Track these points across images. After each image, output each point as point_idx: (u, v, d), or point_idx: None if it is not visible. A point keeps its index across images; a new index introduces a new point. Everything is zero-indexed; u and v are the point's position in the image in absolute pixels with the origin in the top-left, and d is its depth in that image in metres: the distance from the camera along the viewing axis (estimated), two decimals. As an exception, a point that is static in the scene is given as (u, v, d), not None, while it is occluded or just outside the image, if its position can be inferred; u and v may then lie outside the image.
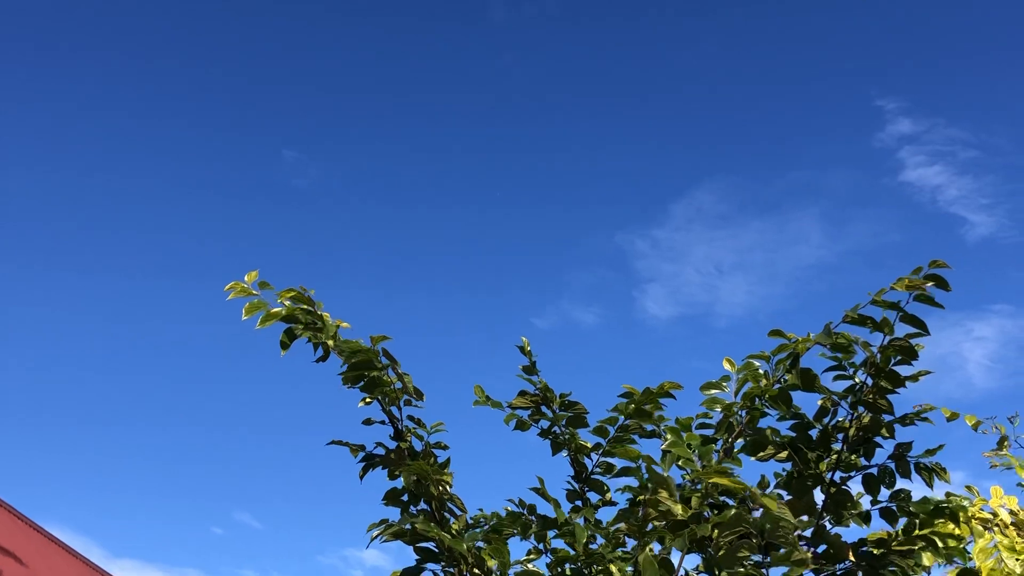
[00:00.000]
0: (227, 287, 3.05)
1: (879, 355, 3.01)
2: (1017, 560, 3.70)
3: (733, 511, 2.88)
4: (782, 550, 2.92)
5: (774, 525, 2.81)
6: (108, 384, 28.71)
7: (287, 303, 3.07)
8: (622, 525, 3.08)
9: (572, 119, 30.31)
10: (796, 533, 3.28)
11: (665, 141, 30.23)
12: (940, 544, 3.25)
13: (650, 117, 30.19)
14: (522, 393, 3.35)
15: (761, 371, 3.07)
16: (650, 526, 3.02)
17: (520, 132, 30.55)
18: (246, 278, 3.07)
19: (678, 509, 2.88)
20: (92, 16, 27.00)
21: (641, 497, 3.03)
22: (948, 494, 3.77)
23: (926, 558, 3.21)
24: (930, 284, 2.89)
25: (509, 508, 3.39)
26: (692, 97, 29.96)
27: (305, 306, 3.07)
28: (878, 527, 3.34)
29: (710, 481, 2.82)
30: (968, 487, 4.07)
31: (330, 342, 3.12)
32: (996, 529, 3.87)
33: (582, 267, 29.93)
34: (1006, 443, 4.13)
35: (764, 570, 2.99)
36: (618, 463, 3.37)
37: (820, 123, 29.15)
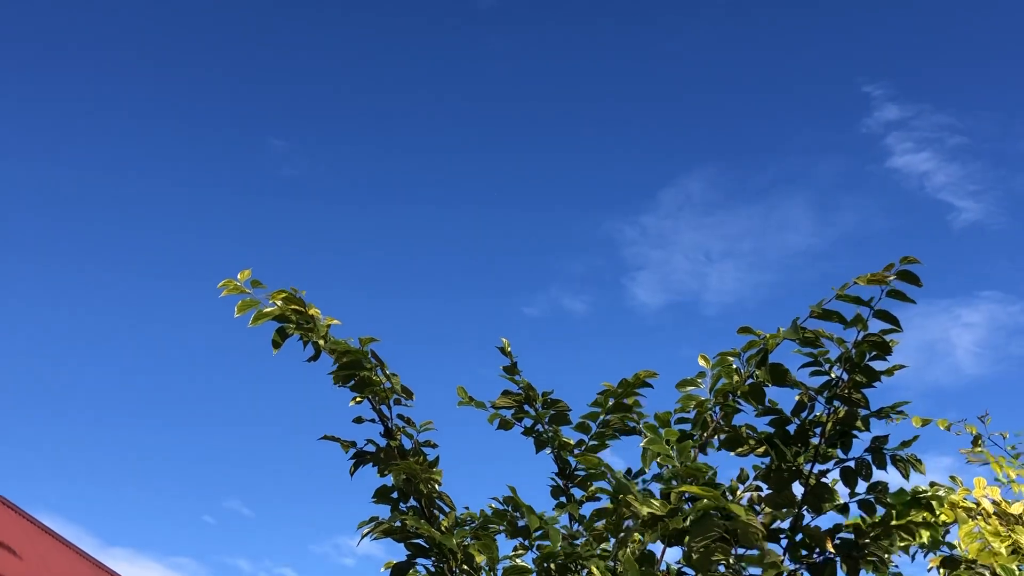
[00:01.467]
0: (220, 284, 3.09)
1: (854, 351, 3.09)
2: (1003, 545, 3.78)
3: (703, 515, 2.94)
4: (755, 552, 3.00)
5: (744, 531, 2.87)
6: (99, 375, 28.82)
7: (279, 303, 3.12)
8: (601, 523, 3.15)
9: (559, 107, 30.32)
10: (775, 524, 3.37)
11: (653, 129, 30.25)
12: (915, 529, 3.33)
13: (638, 105, 30.20)
14: (505, 393, 3.43)
15: (734, 367, 3.15)
16: (627, 523, 3.10)
17: (508, 121, 30.57)
18: (239, 276, 3.11)
19: (644, 511, 2.94)
20: (75, 5, 27.02)
21: (620, 496, 3.11)
22: (932, 483, 3.86)
23: (901, 542, 3.30)
24: (896, 279, 2.97)
25: (494, 506, 3.47)
26: (680, 85, 29.95)
27: (296, 307, 3.13)
28: (853, 514, 3.43)
29: (681, 490, 2.88)
30: (952, 477, 4.15)
31: (321, 341, 3.19)
32: (979, 518, 3.95)
33: (571, 255, 29.96)
34: (980, 441, 4.21)
35: (741, 565, 3.07)
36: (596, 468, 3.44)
37: (807, 110, 29.14)
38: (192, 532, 31.05)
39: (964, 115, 27.60)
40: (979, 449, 4.20)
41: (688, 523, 2.88)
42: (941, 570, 3.88)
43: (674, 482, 3.09)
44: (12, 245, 26.93)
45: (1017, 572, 3.56)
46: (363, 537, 3.25)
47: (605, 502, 3.33)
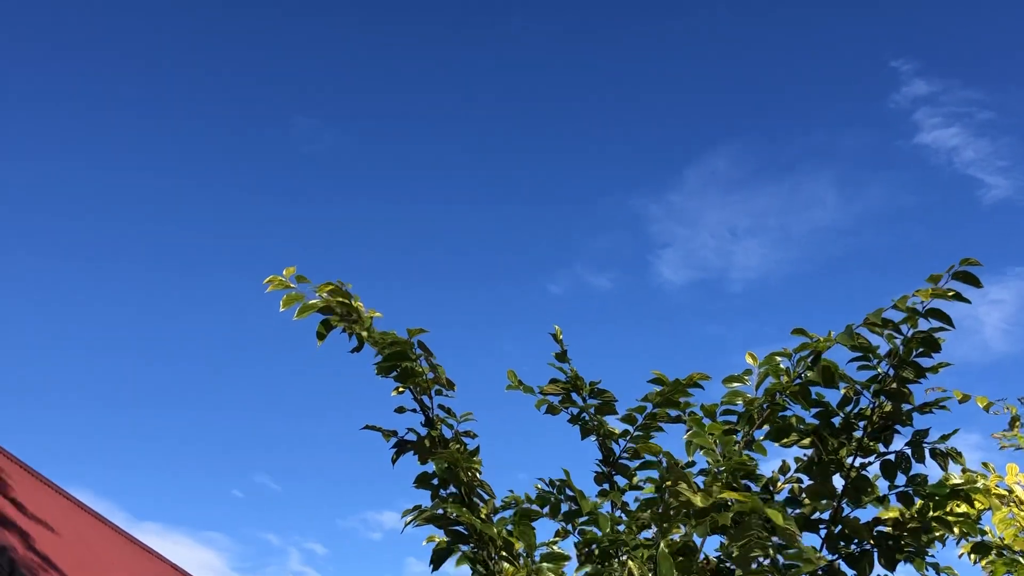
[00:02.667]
0: (265, 280, 3.14)
1: (902, 347, 3.08)
2: None
3: (742, 519, 2.95)
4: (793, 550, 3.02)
5: (786, 539, 2.89)
6: (128, 354, 28.85)
7: (324, 295, 3.14)
8: (646, 513, 3.18)
9: (585, 84, 30.01)
10: (815, 515, 3.38)
11: (678, 106, 29.91)
12: (953, 522, 3.35)
13: (664, 82, 29.86)
14: (553, 380, 3.45)
15: (783, 367, 3.15)
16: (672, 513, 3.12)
17: (534, 97, 30.27)
18: (284, 272, 3.16)
19: (697, 500, 2.96)
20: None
21: (666, 484, 3.13)
22: (964, 470, 3.87)
23: (937, 532, 3.32)
24: (954, 279, 2.95)
25: (540, 487, 3.49)
26: (705, 61, 29.60)
27: (341, 299, 3.15)
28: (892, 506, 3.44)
29: (721, 496, 2.90)
30: (985, 464, 4.16)
31: (364, 333, 3.19)
32: (1012, 505, 3.97)
33: (596, 232, 29.78)
34: (1017, 423, 4.21)
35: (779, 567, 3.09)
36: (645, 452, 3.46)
37: (834, 85, 28.71)
38: (221, 507, 31.23)
39: (993, 90, 27.20)
40: (1014, 433, 4.20)
41: (732, 520, 2.89)
42: (972, 556, 3.92)
43: (719, 472, 3.10)
44: (39, 226, 26.78)
45: None
46: (407, 524, 3.28)
47: (648, 490, 3.35)
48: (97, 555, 12.20)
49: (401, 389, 3.30)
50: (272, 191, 29.33)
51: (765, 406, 3.18)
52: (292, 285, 3.15)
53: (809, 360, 3.07)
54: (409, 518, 3.27)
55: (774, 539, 3.06)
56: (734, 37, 29.22)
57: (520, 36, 29.69)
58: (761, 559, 2.99)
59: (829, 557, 3.33)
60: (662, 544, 3.00)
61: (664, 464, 3.23)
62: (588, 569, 3.24)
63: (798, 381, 3.12)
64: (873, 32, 28.10)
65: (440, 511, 3.25)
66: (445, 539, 3.41)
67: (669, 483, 3.10)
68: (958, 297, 2.96)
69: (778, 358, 3.15)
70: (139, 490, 28.62)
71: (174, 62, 28.07)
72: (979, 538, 3.90)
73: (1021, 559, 3.73)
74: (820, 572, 3.24)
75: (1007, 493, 3.93)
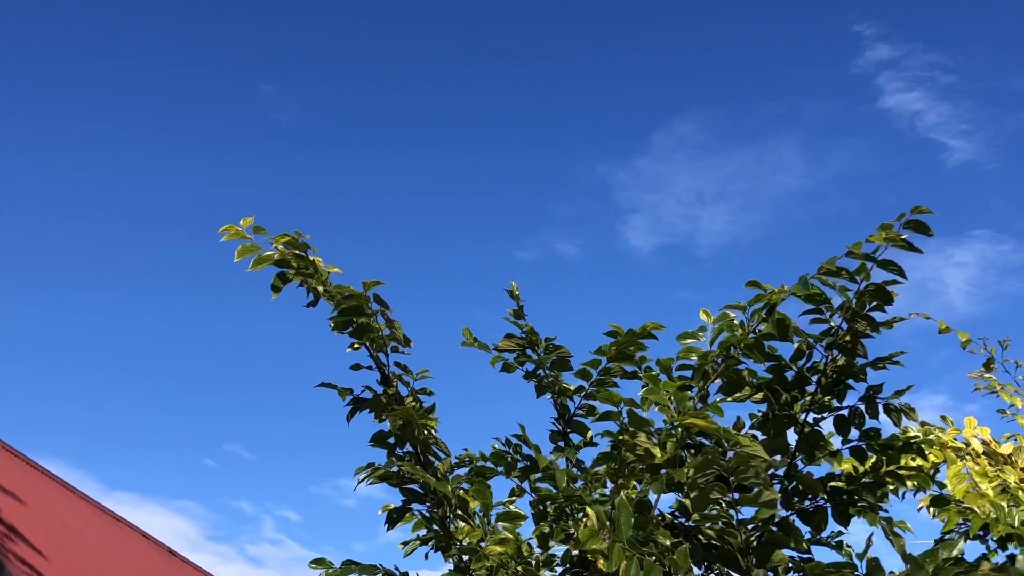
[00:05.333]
0: (221, 229, 3.06)
1: (855, 300, 3.09)
2: (991, 485, 3.83)
3: (705, 453, 2.96)
4: (754, 490, 3.02)
5: (745, 464, 2.89)
6: (98, 324, 28.61)
7: (280, 247, 3.09)
8: (602, 467, 3.17)
9: (552, 51, 29.92)
10: (769, 472, 3.39)
11: (645, 72, 29.94)
12: (906, 476, 3.37)
13: (629, 48, 29.84)
14: (508, 336, 3.43)
15: (737, 321, 3.14)
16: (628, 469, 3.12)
17: (501, 65, 30.16)
18: (241, 222, 3.08)
19: (656, 452, 2.96)
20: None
21: (622, 437, 3.12)
22: (923, 423, 3.89)
23: (890, 486, 3.34)
24: (905, 227, 2.95)
25: (496, 446, 3.48)
26: (670, 28, 29.59)
27: (298, 251, 3.10)
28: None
29: (685, 423, 2.91)
30: (943, 417, 4.17)
31: (320, 287, 3.15)
32: (968, 458, 3.99)
33: (564, 199, 29.81)
34: (992, 365, 4.20)
35: (735, 511, 3.10)
36: (600, 406, 3.45)
37: (798, 51, 28.86)
38: (194, 476, 31.17)
39: (956, 53, 27.43)
40: (989, 375, 4.19)
41: (690, 473, 2.89)
42: (931, 509, 3.95)
43: (673, 429, 3.09)
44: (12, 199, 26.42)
45: (1006, 509, 3.60)
46: (360, 482, 3.26)
47: (603, 447, 3.35)
48: (67, 525, 12.11)
49: (357, 345, 3.27)
50: (237, 158, 29.12)
51: (719, 360, 3.17)
52: (248, 236, 3.08)
53: (763, 313, 3.06)
54: (362, 475, 3.24)
55: (733, 495, 3.07)
56: (699, 3, 29.23)
57: (487, 4, 29.53)
58: (717, 505, 2.99)
59: (783, 513, 3.34)
60: (621, 494, 3.00)
61: (624, 413, 3.22)
62: (545, 529, 3.24)
63: (752, 335, 3.11)
64: (836, -4, 28.15)
65: (394, 468, 3.23)
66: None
67: (626, 436, 3.10)
68: (909, 247, 2.96)
69: (732, 312, 3.14)
70: (111, 460, 28.49)
71: (137, 31, 27.72)
72: (938, 491, 3.93)
73: (978, 510, 3.74)
74: (774, 528, 3.25)
75: (964, 446, 3.93)
